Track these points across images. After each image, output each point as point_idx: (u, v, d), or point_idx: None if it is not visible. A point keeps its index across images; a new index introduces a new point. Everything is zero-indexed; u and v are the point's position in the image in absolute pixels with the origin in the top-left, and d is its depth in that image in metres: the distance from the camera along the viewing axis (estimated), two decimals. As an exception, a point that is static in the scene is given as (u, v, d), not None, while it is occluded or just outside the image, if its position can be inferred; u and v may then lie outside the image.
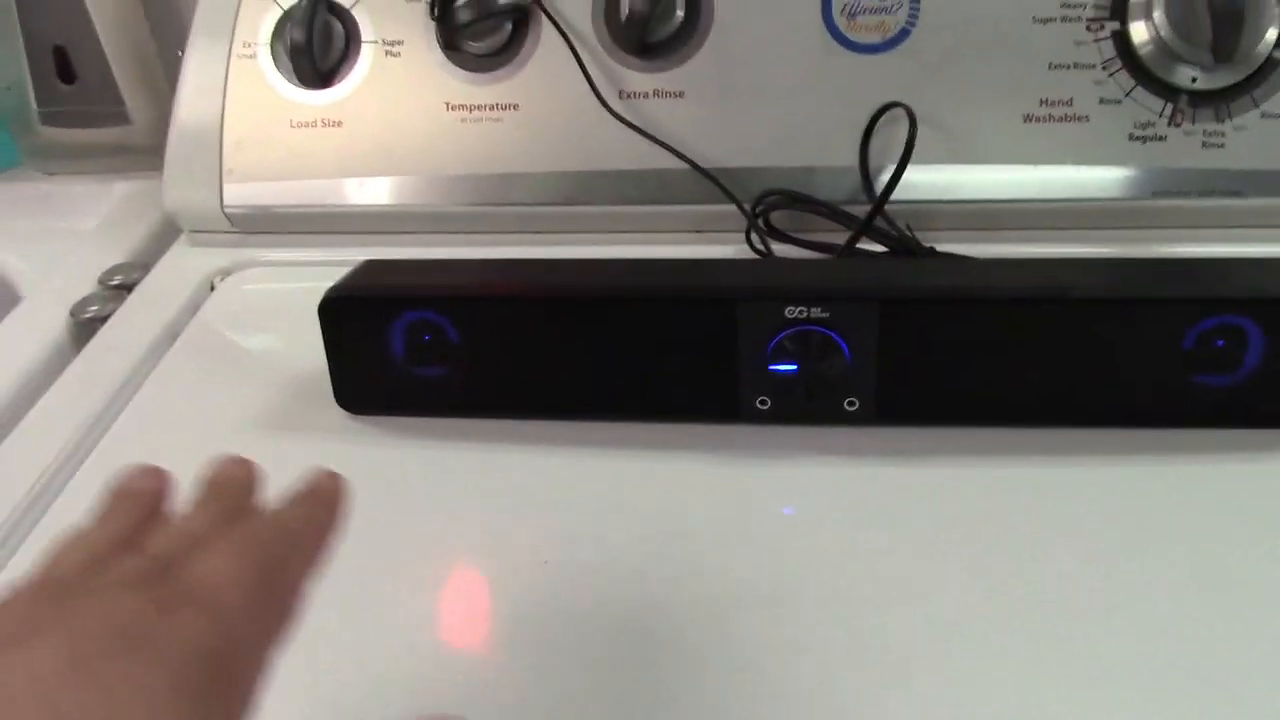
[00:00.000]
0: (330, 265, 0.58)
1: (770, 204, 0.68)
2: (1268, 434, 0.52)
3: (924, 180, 0.68)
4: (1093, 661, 0.42)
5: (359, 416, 0.57)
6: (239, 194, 0.74)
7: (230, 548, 0.32)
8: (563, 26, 0.71)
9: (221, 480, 0.38)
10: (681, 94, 0.70)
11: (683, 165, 0.69)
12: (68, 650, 0.27)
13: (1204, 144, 0.66)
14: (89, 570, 0.32)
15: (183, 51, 0.76)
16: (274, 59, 0.74)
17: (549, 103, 0.71)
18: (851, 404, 0.53)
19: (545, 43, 0.71)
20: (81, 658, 0.26)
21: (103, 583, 0.31)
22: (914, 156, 0.66)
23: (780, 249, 0.68)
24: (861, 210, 0.66)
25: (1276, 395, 0.52)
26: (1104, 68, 0.67)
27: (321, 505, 0.37)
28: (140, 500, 0.36)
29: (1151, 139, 0.66)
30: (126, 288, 0.73)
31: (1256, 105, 0.66)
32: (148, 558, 0.33)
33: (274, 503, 0.36)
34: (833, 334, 0.51)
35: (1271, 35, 0.65)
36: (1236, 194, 0.66)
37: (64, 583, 0.31)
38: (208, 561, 0.31)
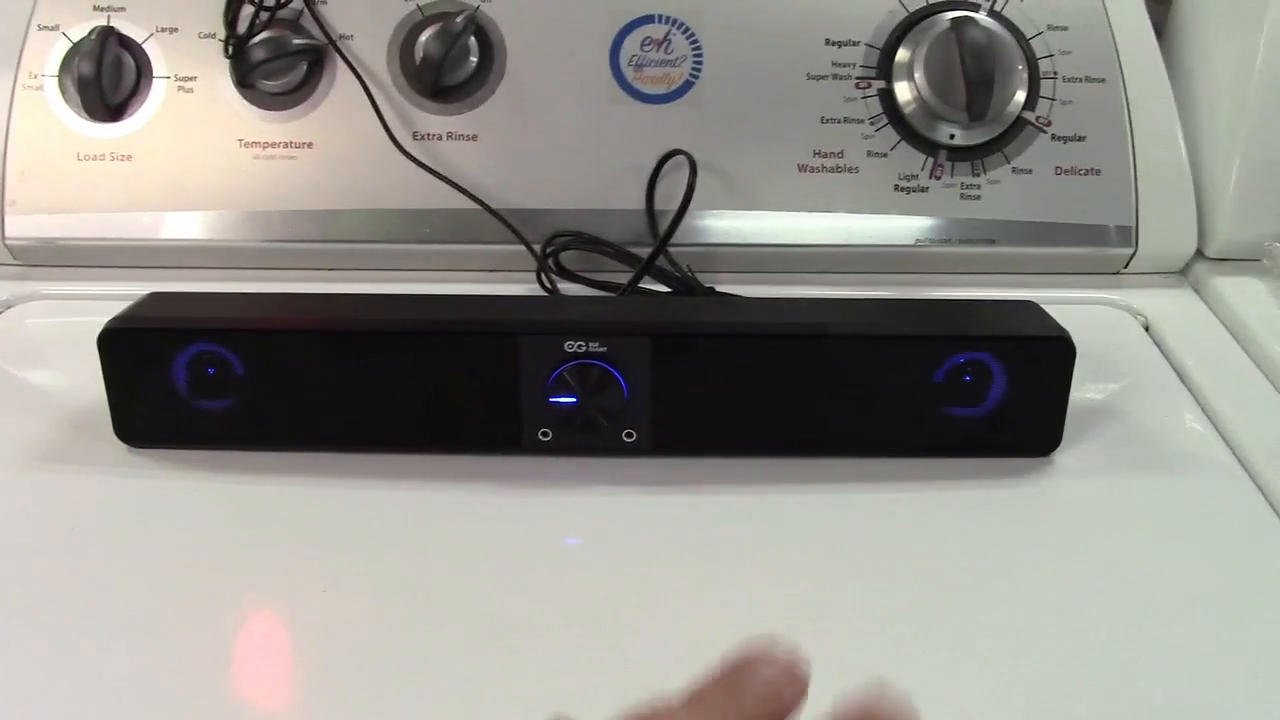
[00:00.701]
0: (117, 299, 0.57)
1: (559, 244, 0.70)
2: (1011, 462, 0.56)
3: (706, 225, 0.71)
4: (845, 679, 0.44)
5: (140, 450, 0.57)
6: (21, 226, 0.72)
7: None
8: (357, 68, 0.72)
9: None
10: (474, 137, 0.72)
11: (475, 206, 0.70)
12: None
13: (962, 196, 0.71)
14: None
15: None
16: (61, 91, 0.73)
17: (343, 142, 0.72)
18: (629, 435, 0.55)
19: (340, 83, 0.72)
20: None
21: None
22: (697, 202, 0.69)
23: (569, 288, 0.70)
24: (647, 252, 0.69)
25: (1018, 426, 0.56)
26: (871, 123, 0.71)
27: None
28: (750, 706, 0.28)
29: (915, 190, 0.71)
30: (-102, 321, 0.70)
31: (1007, 161, 0.71)
32: None
33: None
34: (610, 368, 0.54)
35: (1019, 97, 0.70)
36: (990, 242, 0.71)
37: None
38: None
